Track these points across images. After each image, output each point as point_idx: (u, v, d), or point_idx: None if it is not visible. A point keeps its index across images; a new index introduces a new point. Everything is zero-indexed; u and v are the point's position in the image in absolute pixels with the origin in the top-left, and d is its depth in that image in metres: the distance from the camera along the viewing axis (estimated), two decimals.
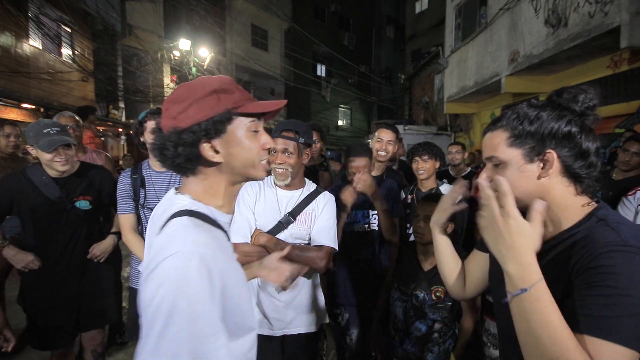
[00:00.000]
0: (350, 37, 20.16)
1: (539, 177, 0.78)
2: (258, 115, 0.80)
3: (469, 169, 3.82)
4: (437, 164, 2.37)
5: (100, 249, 2.01)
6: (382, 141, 2.38)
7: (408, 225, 2.37)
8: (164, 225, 0.73)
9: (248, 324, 0.82)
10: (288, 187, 1.63)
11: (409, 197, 2.42)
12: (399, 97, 19.60)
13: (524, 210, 0.88)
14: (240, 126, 0.77)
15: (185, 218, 0.72)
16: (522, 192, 0.79)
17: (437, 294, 1.68)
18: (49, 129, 1.76)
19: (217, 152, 0.76)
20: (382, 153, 2.35)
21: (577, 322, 0.67)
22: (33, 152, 1.81)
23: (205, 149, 0.74)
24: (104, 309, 2.08)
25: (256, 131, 0.80)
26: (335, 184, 2.41)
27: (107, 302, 2.10)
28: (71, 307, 1.94)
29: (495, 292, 0.98)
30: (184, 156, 0.74)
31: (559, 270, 0.76)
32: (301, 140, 1.58)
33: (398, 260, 1.88)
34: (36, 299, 1.90)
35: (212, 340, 0.64)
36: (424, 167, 2.34)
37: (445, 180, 2.54)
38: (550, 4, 5.27)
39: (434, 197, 1.81)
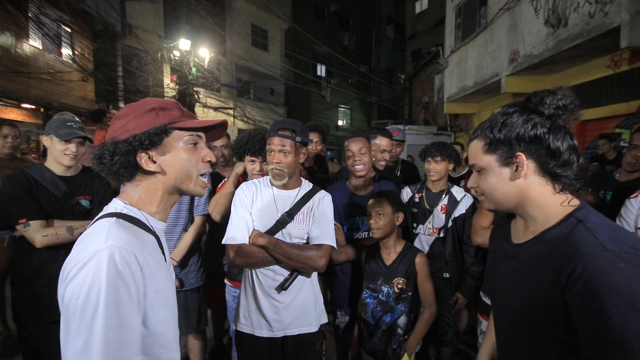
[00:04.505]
0: (350, 37, 20.15)
1: (513, 179, 0.83)
2: (197, 130, 0.88)
3: (467, 168, 3.82)
4: (451, 166, 2.32)
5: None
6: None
7: (415, 224, 2.37)
8: (92, 224, 0.80)
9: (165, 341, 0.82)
10: (285, 186, 1.62)
11: (417, 195, 2.40)
12: (399, 97, 19.58)
13: (511, 212, 0.91)
14: (178, 139, 0.86)
15: (113, 219, 0.78)
16: (503, 194, 0.85)
17: (399, 286, 1.73)
18: (72, 123, 1.84)
19: (154, 162, 0.84)
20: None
21: (587, 346, 0.69)
22: (47, 142, 1.83)
23: (142, 158, 0.83)
24: None
25: (195, 144, 0.88)
26: (335, 185, 2.39)
27: None
28: None
29: (493, 294, 0.99)
30: (120, 164, 0.82)
31: (542, 269, 0.78)
32: (298, 139, 1.57)
33: (367, 260, 1.90)
34: (31, 313, 1.81)
35: (127, 345, 0.69)
36: (436, 168, 2.29)
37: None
38: (550, 4, 5.27)
39: (384, 193, 1.83)
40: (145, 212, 0.85)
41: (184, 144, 0.86)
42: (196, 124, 0.87)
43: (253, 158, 1.99)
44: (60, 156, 1.82)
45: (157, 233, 0.87)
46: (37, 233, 1.71)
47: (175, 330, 0.89)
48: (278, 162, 1.54)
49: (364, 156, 1.97)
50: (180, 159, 0.86)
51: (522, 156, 0.81)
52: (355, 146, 1.98)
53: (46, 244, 1.72)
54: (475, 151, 0.88)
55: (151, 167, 0.83)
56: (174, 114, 0.86)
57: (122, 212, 0.82)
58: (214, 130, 0.95)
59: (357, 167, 1.98)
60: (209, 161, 0.90)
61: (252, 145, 1.95)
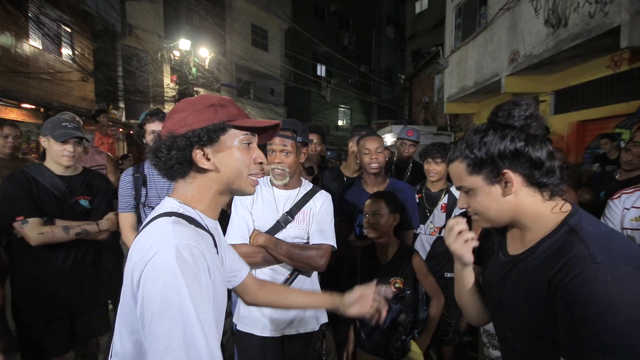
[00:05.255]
0: (350, 37, 20.16)
1: (504, 195, 0.82)
2: (252, 130, 0.87)
3: None
4: None
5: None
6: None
7: (416, 227, 2.37)
8: (148, 223, 0.80)
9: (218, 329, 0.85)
10: (285, 186, 1.63)
11: (417, 196, 2.42)
12: (399, 97, 19.59)
13: (503, 227, 0.92)
14: (233, 137, 0.84)
15: (172, 218, 0.78)
16: (496, 211, 0.85)
17: (396, 285, 1.75)
18: (67, 123, 1.83)
19: (208, 159, 0.82)
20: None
21: (570, 353, 0.70)
22: (44, 143, 1.84)
23: (197, 155, 0.81)
24: (102, 318, 2.04)
25: (249, 144, 0.86)
26: (333, 185, 2.39)
27: (102, 312, 2.04)
28: (68, 314, 1.87)
29: (492, 306, 0.99)
30: (176, 159, 0.80)
31: (537, 279, 0.78)
32: (299, 139, 1.58)
33: (362, 261, 1.91)
34: (31, 312, 1.81)
35: (200, 331, 0.67)
36: (436, 169, 2.32)
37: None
38: (550, 4, 5.27)
39: (381, 194, 1.86)
40: (198, 210, 0.85)
41: (239, 143, 0.84)
42: (253, 124, 0.86)
43: None
44: (58, 157, 1.83)
45: (211, 232, 0.86)
46: (34, 231, 1.71)
47: (220, 328, 0.89)
48: (280, 162, 1.56)
49: (380, 155, 2.09)
50: (234, 158, 0.84)
51: (509, 173, 0.80)
52: (372, 145, 2.08)
53: (42, 241, 1.72)
54: (459, 173, 0.87)
55: (206, 164, 0.81)
56: (231, 111, 0.84)
57: (179, 211, 0.81)
58: (267, 132, 0.92)
59: (373, 164, 2.08)
60: (260, 162, 0.88)
61: None
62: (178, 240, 0.70)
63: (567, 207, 0.81)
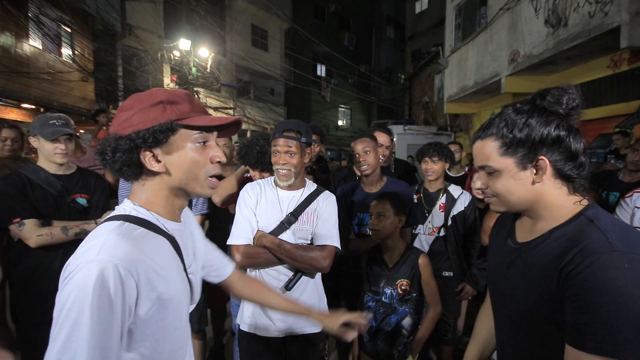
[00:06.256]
0: (350, 37, 20.15)
1: (533, 183, 0.80)
2: (207, 129, 0.80)
3: (467, 168, 3.82)
4: (447, 165, 2.36)
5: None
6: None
7: (414, 225, 2.38)
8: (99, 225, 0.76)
9: (175, 333, 0.81)
10: (289, 187, 1.62)
11: (415, 196, 2.42)
12: (399, 97, 19.60)
13: (520, 212, 0.90)
14: (185, 137, 0.78)
15: (117, 223, 0.74)
16: (518, 197, 0.82)
17: (402, 287, 1.74)
18: (55, 121, 1.82)
19: (158, 161, 0.77)
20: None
21: (581, 339, 0.68)
22: (35, 143, 1.82)
23: (146, 156, 0.76)
24: None
25: (204, 143, 0.80)
26: (344, 184, 2.39)
27: None
28: None
29: (496, 293, 0.99)
30: (122, 162, 0.75)
31: (546, 267, 0.77)
32: (303, 139, 1.58)
33: (368, 263, 1.90)
34: (30, 313, 1.80)
35: (109, 354, 0.65)
36: (433, 168, 2.32)
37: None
38: (550, 4, 5.27)
39: (387, 195, 1.85)
40: (154, 213, 0.80)
41: (191, 143, 0.78)
42: (207, 122, 0.78)
43: (253, 171, 2.05)
44: (51, 155, 1.82)
45: (171, 234, 0.82)
46: (32, 232, 1.69)
47: (185, 335, 0.86)
48: (285, 163, 1.55)
49: (368, 155, 2.04)
50: (186, 159, 0.78)
51: (544, 160, 0.78)
52: (359, 146, 2.05)
53: (40, 243, 1.71)
54: (489, 152, 0.82)
55: (155, 167, 0.76)
56: (183, 108, 0.77)
57: (131, 214, 0.77)
58: (230, 128, 0.86)
59: (362, 167, 2.06)
60: (219, 162, 0.82)
61: (249, 158, 1.99)
62: (107, 258, 0.66)
63: (585, 201, 0.81)
